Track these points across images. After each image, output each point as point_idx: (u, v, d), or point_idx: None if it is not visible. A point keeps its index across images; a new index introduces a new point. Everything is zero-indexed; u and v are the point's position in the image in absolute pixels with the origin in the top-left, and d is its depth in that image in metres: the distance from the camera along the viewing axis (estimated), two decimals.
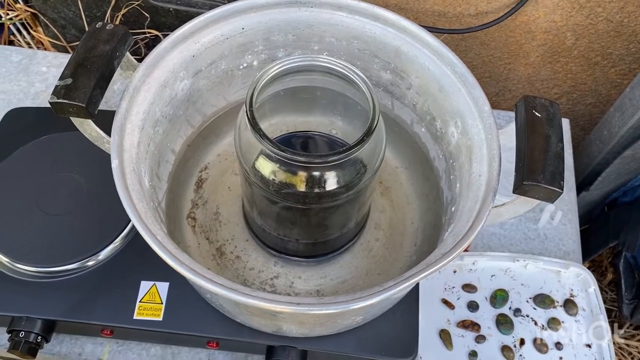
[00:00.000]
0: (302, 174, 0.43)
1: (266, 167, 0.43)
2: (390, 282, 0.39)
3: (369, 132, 0.41)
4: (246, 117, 0.41)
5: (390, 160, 0.60)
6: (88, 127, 0.44)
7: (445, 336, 0.60)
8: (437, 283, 0.63)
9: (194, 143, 0.56)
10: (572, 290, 0.63)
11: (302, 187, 0.44)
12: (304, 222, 0.49)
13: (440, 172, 0.54)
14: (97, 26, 0.44)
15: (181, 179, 0.56)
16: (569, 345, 0.60)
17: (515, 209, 0.43)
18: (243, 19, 0.51)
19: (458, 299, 0.62)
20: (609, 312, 0.94)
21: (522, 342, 0.60)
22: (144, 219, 0.40)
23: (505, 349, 0.59)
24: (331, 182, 0.44)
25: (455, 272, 0.64)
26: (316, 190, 0.44)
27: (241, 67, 0.55)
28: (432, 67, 0.50)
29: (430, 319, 0.61)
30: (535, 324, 0.61)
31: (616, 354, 0.87)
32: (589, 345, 0.60)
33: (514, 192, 0.40)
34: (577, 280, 0.64)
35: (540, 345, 0.60)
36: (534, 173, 0.39)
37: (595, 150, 0.78)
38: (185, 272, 0.37)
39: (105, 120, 0.45)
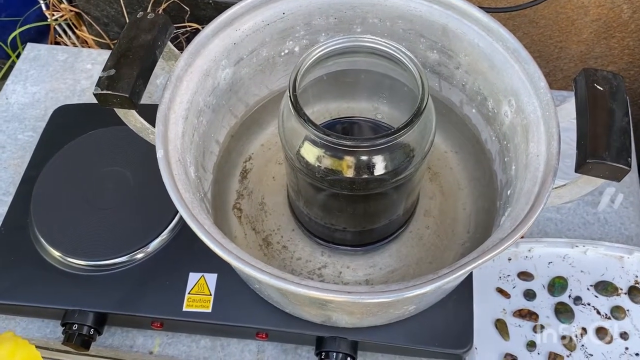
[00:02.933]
0: (349, 159, 0.42)
1: (311, 153, 0.42)
2: (445, 270, 0.37)
3: (418, 113, 0.40)
4: (290, 102, 0.40)
5: (438, 144, 0.58)
6: (132, 118, 0.44)
7: (501, 326, 0.57)
8: (492, 271, 0.60)
9: (237, 133, 0.56)
10: (636, 276, 0.60)
11: (348, 173, 0.42)
12: (351, 210, 0.48)
13: (493, 154, 0.52)
14: (138, 16, 0.44)
15: (225, 170, 0.55)
16: (635, 334, 0.57)
17: (578, 189, 0.40)
18: (283, 4, 0.50)
19: (514, 287, 0.60)
20: None
21: (583, 331, 0.57)
22: (191, 209, 0.39)
23: (565, 339, 0.57)
24: (379, 167, 0.42)
25: (510, 259, 0.61)
26: (364, 175, 0.42)
27: (282, 53, 0.54)
28: (482, 43, 0.48)
29: (485, 308, 0.58)
30: (598, 312, 0.58)
31: None
32: None
33: (576, 171, 0.38)
34: None
35: (603, 335, 0.57)
36: (598, 150, 0.37)
37: None
38: (233, 261, 0.37)
39: (150, 114, 0.45)
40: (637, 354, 0.56)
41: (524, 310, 0.58)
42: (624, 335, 0.57)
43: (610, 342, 0.56)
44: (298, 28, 0.52)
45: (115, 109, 0.42)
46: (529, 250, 0.61)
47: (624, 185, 0.65)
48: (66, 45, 0.95)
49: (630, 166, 0.37)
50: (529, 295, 0.59)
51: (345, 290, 0.36)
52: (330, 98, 0.52)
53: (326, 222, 0.49)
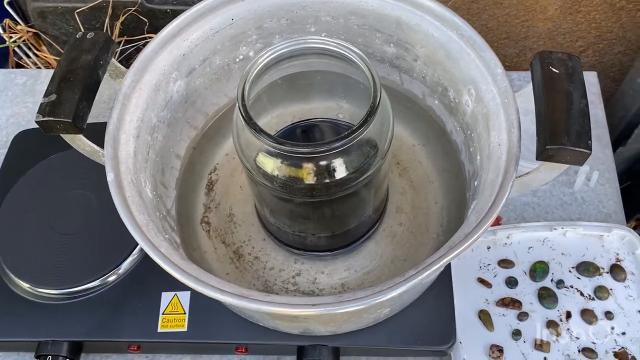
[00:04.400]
0: (308, 166, 0.41)
1: (268, 164, 0.41)
2: (411, 272, 0.36)
3: (372, 111, 0.38)
4: (239, 113, 0.39)
5: (405, 138, 0.57)
6: (80, 142, 0.42)
7: (485, 317, 0.56)
8: (471, 262, 0.60)
9: (199, 145, 0.54)
10: (617, 254, 0.59)
11: (310, 180, 0.41)
12: (319, 216, 0.47)
13: (459, 145, 0.51)
14: (77, 37, 0.42)
15: (190, 184, 0.54)
16: (620, 313, 0.56)
17: (542, 176, 0.39)
18: (231, 10, 0.48)
19: (495, 276, 0.59)
20: None
21: (568, 315, 0.56)
22: (145, 231, 0.38)
23: (550, 324, 0.56)
24: (340, 169, 0.41)
25: (489, 248, 0.60)
26: (326, 180, 0.41)
27: (237, 60, 0.52)
28: (437, 33, 0.47)
29: (468, 300, 0.57)
30: (581, 294, 0.57)
31: None
32: None
33: (537, 158, 0.37)
34: (622, 243, 0.59)
35: (589, 317, 0.56)
36: (557, 135, 0.36)
37: (629, 101, 0.73)
38: (189, 282, 0.35)
39: (103, 133, 0.44)
40: (623, 333, 0.55)
41: (506, 299, 0.57)
42: (608, 315, 0.56)
43: (595, 323, 0.56)
44: (250, 33, 0.51)
45: (61, 135, 0.41)
46: (508, 237, 0.60)
47: (598, 163, 0.64)
48: (28, 67, 0.93)
49: (590, 149, 0.36)
50: (511, 283, 0.58)
51: (310, 303, 0.35)
52: (289, 102, 0.51)
53: (295, 230, 0.48)
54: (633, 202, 0.78)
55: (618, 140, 0.77)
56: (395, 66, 0.53)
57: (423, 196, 0.54)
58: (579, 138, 0.36)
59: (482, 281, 0.58)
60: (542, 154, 0.36)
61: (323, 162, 0.41)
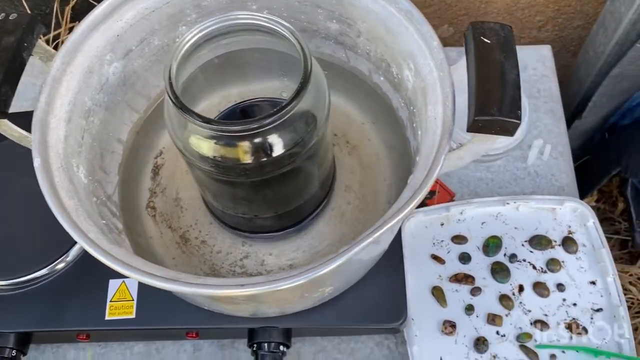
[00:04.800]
0: (243, 145, 0.40)
1: (202, 146, 0.40)
2: (342, 249, 0.35)
3: (303, 84, 0.38)
4: (167, 94, 0.38)
5: (355, 116, 0.56)
6: (7, 128, 0.41)
7: (438, 293, 0.56)
8: (424, 239, 0.59)
9: (143, 129, 0.53)
10: (569, 227, 0.59)
11: (247, 159, 0.40)
12: (262, 196, 0.46)
13: (404, 121, 0.50)
14: None
15: (135, 169, 0.53)
16: (571, 285, 0.56)
17: (475, 148, 0.39)
18: None
19: (448, 252, 0.59)
20: (624, 242, 0.89)
21: (520, 288, 0.56)
22: (74, 217, 0.37)
23: (503, 299, 0.56)
24: (278, 146, 0.40)
25: (442, 224, 0.60)
26: (263, 158, 0.40)
27: (177, 40, 0.51)
28: (376, 8, 0.46)
29: (421, 277, 0.57)
30: (534, 267, 0.57)
31: (638, 286, 0.83)
32: (593, 283, 0.56)
33: (468, 130, 0.36)
34: (575, 215, 0.59)
35: (541, 290, 0.56)
36: (486, 106, 0.35)
37: (583, 74, 0.73)
38: (116, 267, 0.35)
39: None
40: (574, 304, 0.56)
41: (460, 274, 0.57)
42: (560, 287, 0.56)
43: (547, 295, 0.56)
44: (188, 12, 0.49)
45: None
46: (461, 213, 0.60)
47: (551, 136, 0.64)
48: None
49: (519, 119, 0.35)
50: (464, 258, 0.58)
51: (239, 284, 0.34)
52: (231, 82, 0.50)
53: (238, 212, 0.48)
54: (591, 176, 0.78)
55: (575, 113, 0.77)
56: (340, 43, 0.52)
57: (372, 174, 0.53)
58: (508, 108, 0.35)
59: (435, 258, 0.58)
60: (472, 126, 0.36)
61: (258, 140, 0.40)
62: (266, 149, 0.40)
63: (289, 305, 0.47)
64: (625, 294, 0.82)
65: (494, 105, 0.35)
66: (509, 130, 0.36)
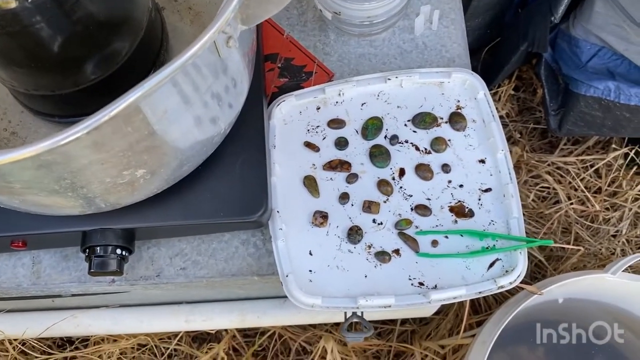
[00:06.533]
0: None
1: None
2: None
3: None
4: None
5: None
6: None
7: (309, 183, 0.50)
8: (298, 126, 0.52)
9: None
10: (458, 101, 0.52)
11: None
12: (54, 56, 0.35)
13: None
14: None
15: None
16: (458, 165, 0.51)
17: None
18: None
19: (324, 138, 0.52)
20: (545, 132, 0.84)
21: (401, 172, 0.50)
22: None
23: (382, 184, 0.50)
24: None
25: (319, 108, 0.53)
26: None
27: None
28: None
29: (293, 167, 0.51)
30: (417, 149, 0.51)
31: (555, 175, 0.79)
32: (482, 161, 0.51)
33: None
34: (464, 88, 0.53)
35: (423, 172, 0.50)
36: None
37: None
38: None
39: None
40: (461, 186, 0.50)
41: (334, 161, 0.51)
42: (445, 168, 0.50)
43: (431, 178, 0.50)
44: None
45: None
46: (339, 95, 0.53)
47: (442, 2, 0.56)
48: None
49: None
50: (340, 144, 0.51)
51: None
52: None
53: (40, 86, 0.38)
54: (503, 55, 0.71)
55: None
56: None
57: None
58: None
59: (309, 145, 0.52)
60: None
61: None
62: None
63: (114, 195, 0.39)
64: (539, 184, 0.78)
65: None
66: None
